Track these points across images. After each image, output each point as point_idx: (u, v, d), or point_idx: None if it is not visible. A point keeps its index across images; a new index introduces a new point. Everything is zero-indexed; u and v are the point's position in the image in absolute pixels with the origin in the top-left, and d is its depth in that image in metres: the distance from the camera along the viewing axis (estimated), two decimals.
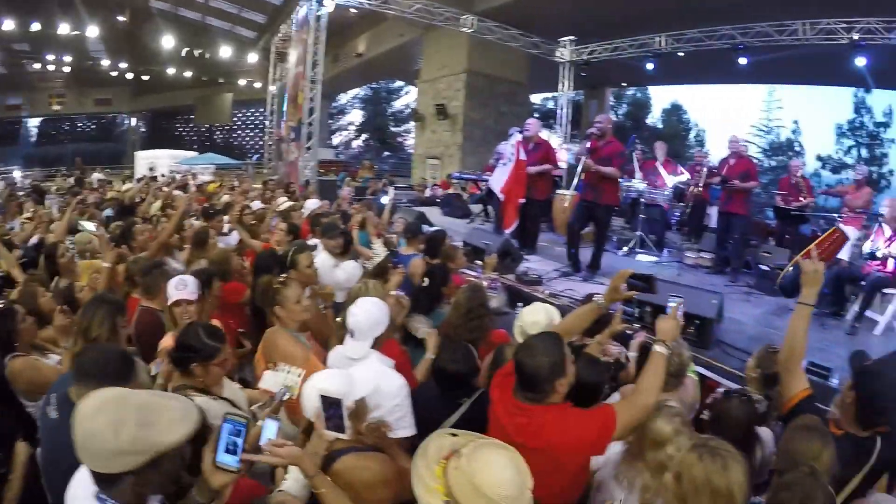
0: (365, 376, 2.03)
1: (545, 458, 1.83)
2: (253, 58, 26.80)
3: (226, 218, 5.82)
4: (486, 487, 1.41)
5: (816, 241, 2.97)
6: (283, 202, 7.52)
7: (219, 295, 3.33)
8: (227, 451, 1.40)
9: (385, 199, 8.62)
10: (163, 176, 14.74)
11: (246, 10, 26.56)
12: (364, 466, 1.82)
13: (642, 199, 8.03)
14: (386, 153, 35.93)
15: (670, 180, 8.47)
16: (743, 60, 11.93)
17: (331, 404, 1.77)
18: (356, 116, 38.84)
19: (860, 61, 10.82)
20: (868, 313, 5.61)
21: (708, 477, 1.54)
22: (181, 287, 2.93)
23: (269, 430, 1.60)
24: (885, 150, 26.91)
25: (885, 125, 26.87)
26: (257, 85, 27.87)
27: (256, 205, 8.24)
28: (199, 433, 1.33)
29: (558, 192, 8.45)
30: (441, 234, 6.01)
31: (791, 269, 2.65)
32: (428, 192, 12.68)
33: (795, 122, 30.18)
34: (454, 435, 1.62)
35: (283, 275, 3.09)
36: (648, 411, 1.98)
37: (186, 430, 1.28)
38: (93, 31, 24.11)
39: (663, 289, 4.70)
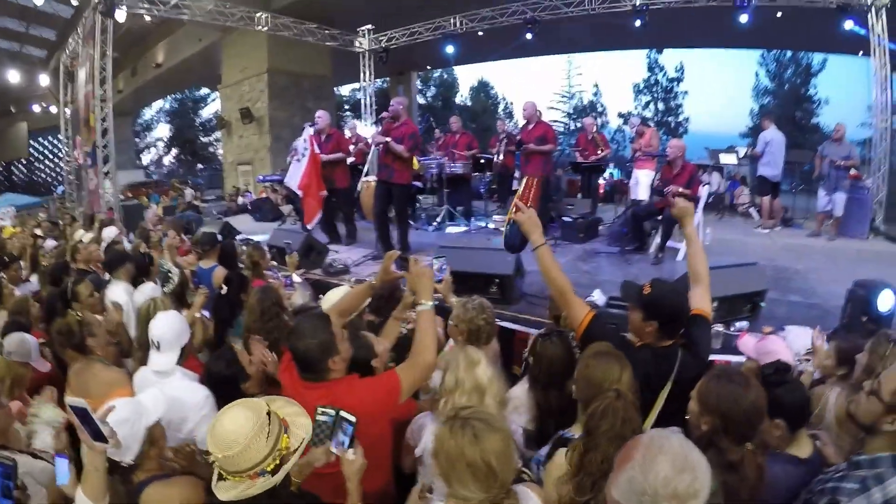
0: (154, 399, 1.91)
1: None
2: (45, 80, 23.59)
3: (23, 263, 5.61)
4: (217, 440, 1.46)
5: (517, 196, 3.26)
6: (81, 235, 6.90)
7: None
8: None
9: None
10: None
11: (34, 27, 23.12)
12: (168, 495, 1.74)
13: (443, 174, 8.34)
14: (200, 166, 33.83)
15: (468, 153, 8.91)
16: (529, 36, 12.63)
17: (80, 415, 1.60)
18: (164, 131, 35.70)
19: (637, 23, 11.22)
20: (669, 243, 6.23)
21: (461, 450, 1.44)
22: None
23: (61, 471, 1.66)
24: (680, 101, 30.70)
25: (678, 80, 30.58)
26: (53, 110, 24.45)
27: (50, 244, 7.70)
28: None
29: (363, 179, 8.54)
30: (228, 242, 5.89)
31: (509, 227, 2.88)
32: (241, 200, 12.19)
33: (596, 85, 33.26)
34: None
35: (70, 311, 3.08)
36: (430, 368, 2.14)
37: None
38: None
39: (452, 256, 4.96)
